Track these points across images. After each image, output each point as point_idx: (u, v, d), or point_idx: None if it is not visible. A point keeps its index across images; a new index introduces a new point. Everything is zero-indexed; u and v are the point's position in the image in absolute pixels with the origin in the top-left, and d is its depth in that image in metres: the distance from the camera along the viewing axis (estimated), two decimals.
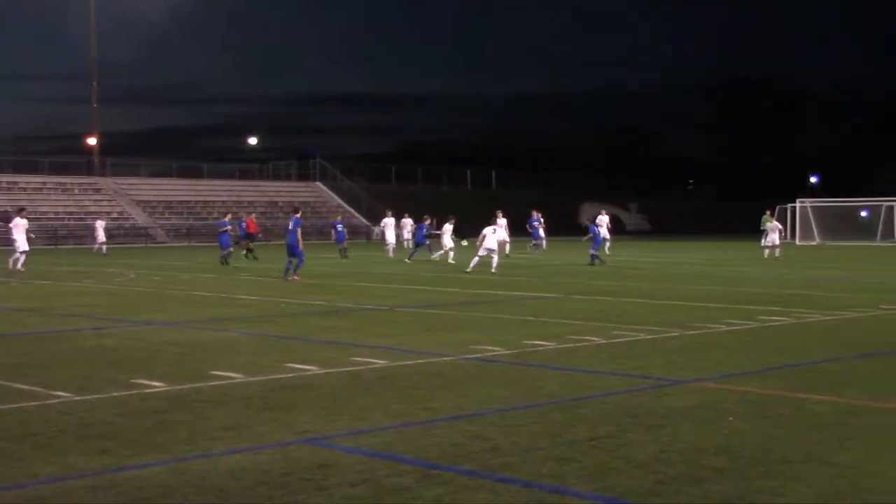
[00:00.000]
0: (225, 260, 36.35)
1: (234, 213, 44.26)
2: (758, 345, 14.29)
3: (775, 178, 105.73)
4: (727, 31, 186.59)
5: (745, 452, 7.89)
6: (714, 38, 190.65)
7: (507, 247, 39.92)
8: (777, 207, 68.28)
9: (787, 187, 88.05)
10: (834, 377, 11.51)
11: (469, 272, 30.23)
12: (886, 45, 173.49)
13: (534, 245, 46.18)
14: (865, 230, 69.56)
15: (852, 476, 7.24)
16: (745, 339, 14.99)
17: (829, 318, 17.84)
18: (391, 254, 44.05)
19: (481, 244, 31.09)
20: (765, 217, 63.14)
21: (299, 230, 27.67)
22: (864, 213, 73.55)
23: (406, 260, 38.32)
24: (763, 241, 43.37)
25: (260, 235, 45.46)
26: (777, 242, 42.67)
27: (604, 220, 44.11)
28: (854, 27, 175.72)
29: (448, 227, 37.58)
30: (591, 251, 35.25)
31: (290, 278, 27.50)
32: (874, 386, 10.90)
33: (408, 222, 48.32)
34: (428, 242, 39.90)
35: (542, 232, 46.06)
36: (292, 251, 27.85)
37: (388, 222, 46.05)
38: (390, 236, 45.55)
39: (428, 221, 40.37)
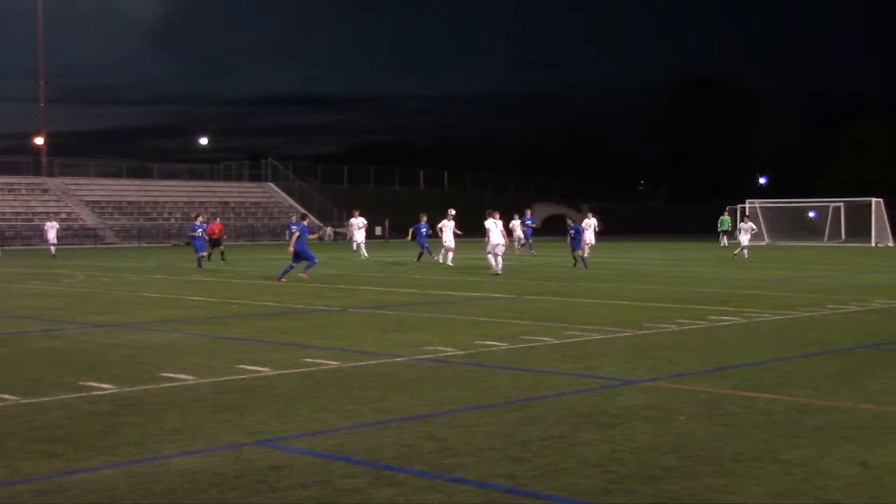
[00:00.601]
0: (199, 265, 35.18)
1: (209, 215, 42.64)
2: (709, 344, 14.40)
3: (725, 178, 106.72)
4: (677, 33, 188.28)
5: (696, 451, 7.94)
6: (664, 40, 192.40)
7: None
8: (727, 208, 69.02)
9: (738, 188, 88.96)
10: (783, 376, 11.63)
11: (499, 273, 29.51)
12: (834, 48, 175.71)
13: (527, 245, 45.13)
14: (813, 230, 70.47)
15: (802, 473, 7.31)
16: (696, 338, 15.10)
17: (778, 317, 18.02)
18: (365, 254, 42.55)
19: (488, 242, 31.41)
20: (724, 218, 63.77)
21: (307, 235, 28.29)
22: (811, 214, 74.48)
23: (415, 261, 36.36)
24: (722, 241, 43.39)
25: (225, 237, 44.08)
26: (746, 243, 42.17)
27: (590, 222, 42.47)
28: (803, 30, 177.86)
29: (449, 224, 35.20)
30: (578, 251, 33.56)
31: (283, 279, 27.61)
32: (823, 385, 11.02)
33: (356, 222, 45.88)
34: (427, 244, 37.02)
35: (520, 232, 44.97)
36: (299, 257, 27.84)
37: (356, 223, 44.42)
38: (359, 237, 43.91)
39: (425, 219, 37.43)
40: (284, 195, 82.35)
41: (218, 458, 7.75)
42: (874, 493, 6.84)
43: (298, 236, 27.53)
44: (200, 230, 36.18)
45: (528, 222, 45.79)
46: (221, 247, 40.11)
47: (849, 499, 6.70)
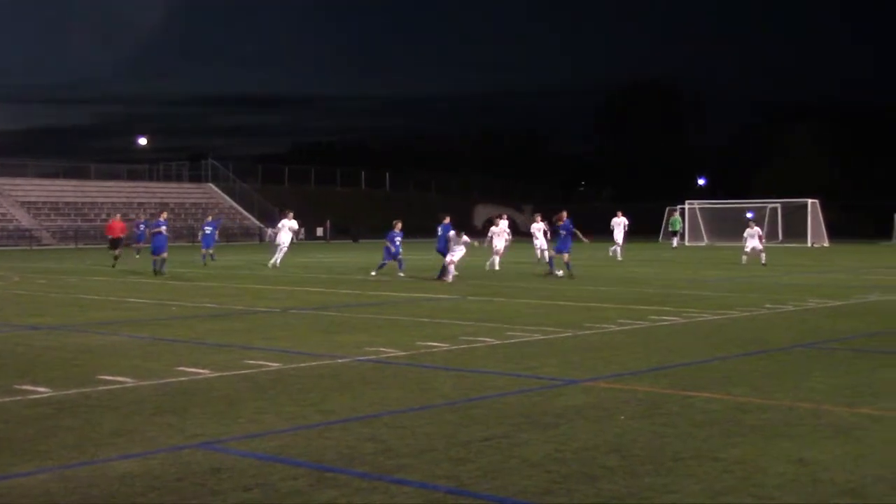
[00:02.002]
0: (158, 270, 30.86)
1: (168, 212, 38.70)
2: (649, 344, 14.53)
3: (665, 179, 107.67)
4: (619, 36, 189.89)
5: (636, 450, 8.00)
6: (605, 42, 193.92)
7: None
8: (668, 209, 69.66)
9: (677, 189, 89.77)
10: (722, 375, 11.75)
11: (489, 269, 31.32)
12: (768, 50, 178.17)
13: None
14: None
15: (740, 471, 7.39)
16: (636, 338, 15.22)
17: (717, 317, 18.22)
18: (278, 262, 38.05)
19: (488, 245, 31.67)
20: (675, 219, 64.15)
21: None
22: (749, 215, 75.36)
23: (400, 274, 29.98)
24: (673, 241, 40.89)
25: (124, 237, 39.67)
26: (759, 247, 37.81)
27: (620, 220, 41.09)
28: (740, 33, 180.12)
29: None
30: (565, 254, 29.43)
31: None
32: (760, 383, 11.16)
33: (287, 223, 42.52)
34: (401, 256, 30.75)
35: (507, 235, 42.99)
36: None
37: (287, 224, 42.58)
38: (284, 238, 42.24)
39: (399, 227, 31.12)
40: (225, 196, 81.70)
41: (157, 462, 7.67)
42: (810, 489, 6.94)
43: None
44: (164, 227, 32.02)
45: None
46: (119, 249, 36.63)
47: (785, 496, 6.79)
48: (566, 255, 29.38)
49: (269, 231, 75.19)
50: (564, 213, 30.24)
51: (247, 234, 76.13)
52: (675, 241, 60.49)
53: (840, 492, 6.89)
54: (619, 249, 42.59)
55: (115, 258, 35.87)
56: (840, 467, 7.49)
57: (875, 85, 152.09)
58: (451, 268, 27.53)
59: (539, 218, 34.67)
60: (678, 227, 62.49)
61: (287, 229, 38.49)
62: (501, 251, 32.49)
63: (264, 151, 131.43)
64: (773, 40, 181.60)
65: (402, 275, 29.69)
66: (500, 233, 32.72)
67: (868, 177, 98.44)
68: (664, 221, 69.91)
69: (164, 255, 31.11)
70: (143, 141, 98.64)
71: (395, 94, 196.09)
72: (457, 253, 27.62)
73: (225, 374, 11.74)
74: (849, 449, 8.06)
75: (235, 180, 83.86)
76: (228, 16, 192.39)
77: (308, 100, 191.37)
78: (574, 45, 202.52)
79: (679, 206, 67.63)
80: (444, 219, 29.01)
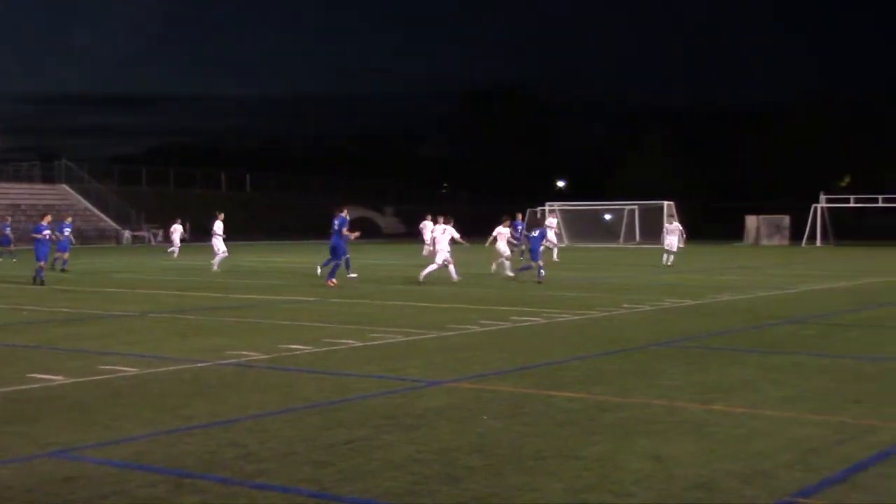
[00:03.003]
0: (39, 278, 27.90)
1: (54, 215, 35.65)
2: (510, 345, 14.69)
3: (525, 181, 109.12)
4: (481, 40, 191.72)
5: (498, 450, 8.08)
6: (467, 46, 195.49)
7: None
8: (528, 210, 70.50)
9: (537, 191, 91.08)
10: (582, 375, 11.96)
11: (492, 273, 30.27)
12: (624, 54, 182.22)
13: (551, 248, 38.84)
14: (609, 233, 72.97)
15: (599, 469, 7.53)
16: (498, 339, 15.37)
17: (577, 317, 18.54)
18: (176, 255, 44.43)
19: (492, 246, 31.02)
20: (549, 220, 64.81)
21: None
22: (607, 217, 77.11)
23: (351, 276, 28.88)
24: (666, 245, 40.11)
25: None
26: (675, 247, 38.01)
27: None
28: (603, 39, 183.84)
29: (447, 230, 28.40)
30: (537, 261, 28.25)
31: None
32: (619, 382, 11.40)
33: (178, 227, 46.95)
34: (348, 256, 28.73)
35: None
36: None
37: (178, 228, 46.73)
38: (177, 240, 46.18)
39: (344, 213, 27.81)
40: (80, 197, 79.48)
41: (7, 472, 7.41)
42: (666, 484, 7.12)
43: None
44: (47, 232, 29.28)
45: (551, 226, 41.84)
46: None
47: (643, 491, 6.95)
48: (537, 262, 28.28)
49: (127, 233, 73.64)
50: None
51: (103, 236, 74.21)
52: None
53: (693, 486, 7.08)
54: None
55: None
56: (693, 462, 7.70)
57: (727, 89, 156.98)
58: (452, 268, 27.77)
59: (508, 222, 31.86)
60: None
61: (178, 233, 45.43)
62: (509, 254, 30.85)
63: (119, 152, 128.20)
64: (629, 45, 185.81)
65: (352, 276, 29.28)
66: (504, 236, 30.99)
67: (721, 179, 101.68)
68: (524, 223, 70.75)
69: (43, 262, 28.28)
70: None
71: (258, 94, 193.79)
72: (441, 253, 27.78)
73: (79, 380, 11.42)
74: (702, 444, 8.29)
75: (91, 181, 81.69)
76: (83, 13, 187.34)
77: (165, 100, 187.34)
78: (438, 49, 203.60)
79: (540, 208, 68.56)
80: (342, 211, 27.64)
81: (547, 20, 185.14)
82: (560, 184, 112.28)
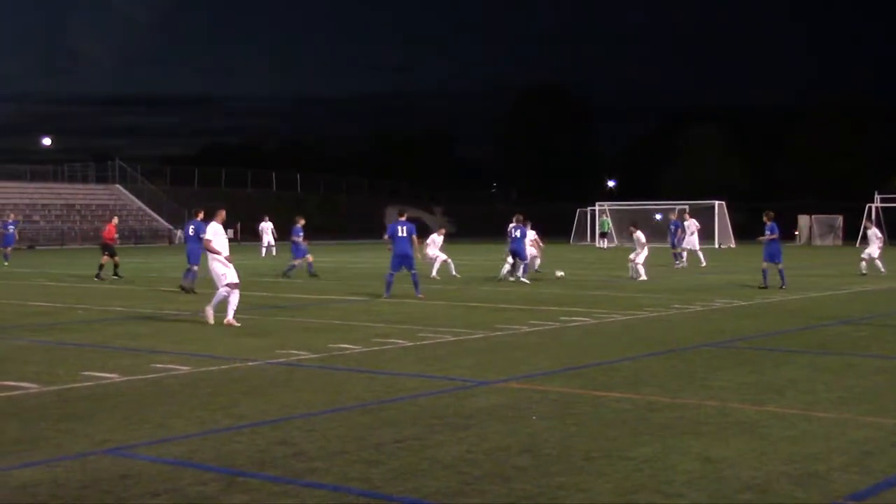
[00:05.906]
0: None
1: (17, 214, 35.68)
2: (559, 345, 14.65)
3: (575, 181, 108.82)
4: (526, 39, 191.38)
5: (547, 450, 8.06)
6: (512, 46, 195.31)
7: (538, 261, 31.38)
8: (578, 211, 70.36)
9: (587, 191, 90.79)
10: (631, 375, 11.90)
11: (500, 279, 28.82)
12: (676, 53, 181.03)
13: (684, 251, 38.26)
14: (660, 232, 72.45)
15: (649, 469, 7.49)
16: (547, 339, 15.33)
17: (626, 317, 18.45)
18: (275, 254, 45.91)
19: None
20: (604, 220, 64.71)
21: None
22: (658, 216, 76.56)
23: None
24: (601, 243, 39.54)
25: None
26: (696, 245, 37.94)
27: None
28: (644, 37, 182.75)
29: (437, 239, 30.70)
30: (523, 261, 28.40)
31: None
32: (668, 382, 11.32)
33: (266, 226, 48.32)
34: (306, 249, 30.38)
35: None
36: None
37: (268, 226, 48.34)
38: (270, 239, 47.87)
39: (302, 223, 30.45)
40: (133, 197, 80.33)
41: (61, 469, 7.50)
42: (716, 486, 7.06)
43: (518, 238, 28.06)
44: (13, 227, 30.82)
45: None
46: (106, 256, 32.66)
47: (693, 492, 6.90)
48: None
49: (179, 233, 74.19)
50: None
51: (155, 236, 74.99)
52: (604, 243, 61.04)
53: (745, 487, 7.02)
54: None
55: (102, 266, 31.39)
56: (745, 464, 7.63)
57: (779, 87, 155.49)
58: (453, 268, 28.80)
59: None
60: (607, 228, 63.13)
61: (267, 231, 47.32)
62: (537, 254, 30.59)
63: (169, 153, 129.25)
64: (679, 44, 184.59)
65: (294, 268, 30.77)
66: (533, 242, 30.06)
67: (772, 178, 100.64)
68: (574, 223, 70.67)
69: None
70: (47, 141, 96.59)
71: (303, 96, 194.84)
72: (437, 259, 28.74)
73: (132, 378, 11.55)
74: (754, 446, 8.21)
75: (143, 181, 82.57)
76: (134, 15, 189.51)
77: (214, 100, 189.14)
78: (484, 49, 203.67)
79: (591, 208, 68.27)
80: (402, 216, 25.42)
81: (594, 19, 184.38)
82: (610, 183, 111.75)
